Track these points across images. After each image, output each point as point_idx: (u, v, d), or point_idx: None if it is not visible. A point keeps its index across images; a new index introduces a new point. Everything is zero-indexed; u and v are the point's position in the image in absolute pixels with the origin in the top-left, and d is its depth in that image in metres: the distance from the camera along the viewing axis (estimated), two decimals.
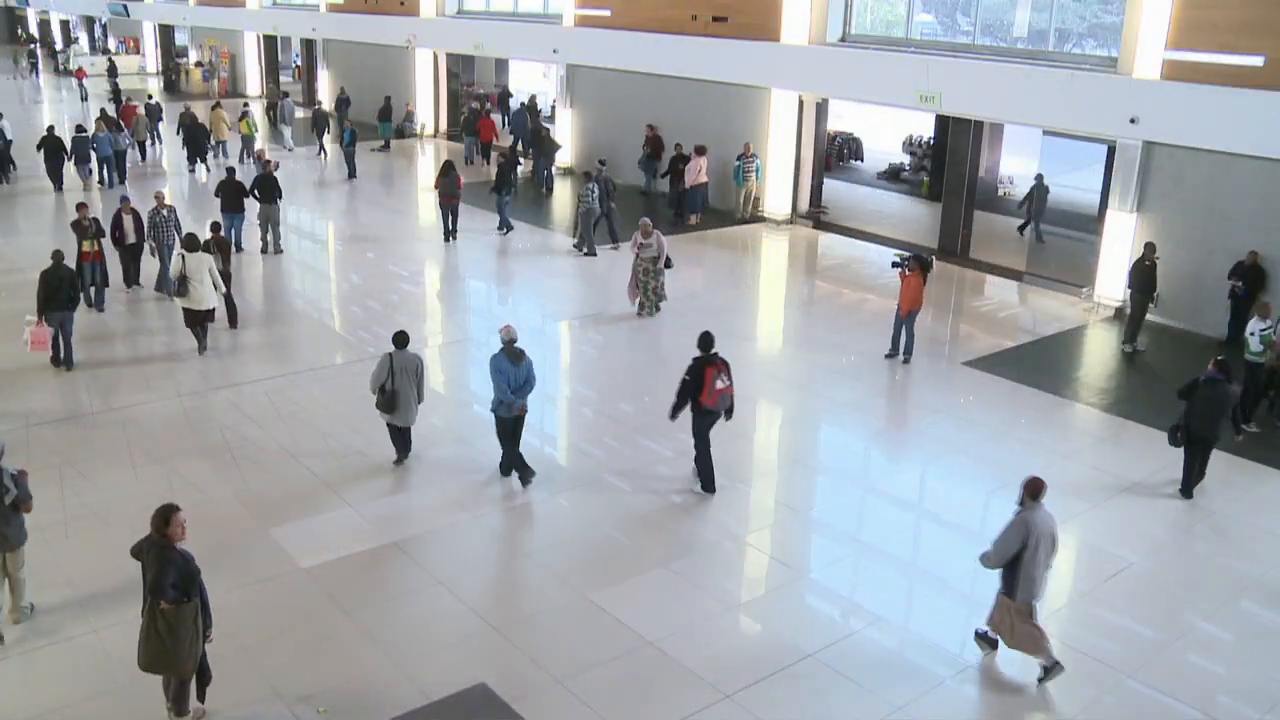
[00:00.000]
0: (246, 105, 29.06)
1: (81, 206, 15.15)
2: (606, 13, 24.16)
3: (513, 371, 9.83)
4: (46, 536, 9.02)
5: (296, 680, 7.34)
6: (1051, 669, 7.52)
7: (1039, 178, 19.50)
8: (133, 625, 6.84)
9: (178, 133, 26.29)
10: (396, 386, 10.12)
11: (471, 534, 9.42)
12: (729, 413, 10.18)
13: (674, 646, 7.80)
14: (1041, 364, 13.89)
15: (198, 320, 13.33)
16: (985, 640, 7.89)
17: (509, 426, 10.06)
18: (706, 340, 10.06)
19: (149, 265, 16.00)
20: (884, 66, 18.82)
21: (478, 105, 29.01)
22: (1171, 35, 14.98)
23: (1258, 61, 14.05)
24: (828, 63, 19.97)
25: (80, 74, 39.08)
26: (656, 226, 15.13)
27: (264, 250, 18.21)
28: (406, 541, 9.16)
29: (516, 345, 9.93)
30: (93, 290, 14.96)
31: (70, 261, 13.22)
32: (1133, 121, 15.34)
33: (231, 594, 8.20)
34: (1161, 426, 11.69)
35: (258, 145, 25.64)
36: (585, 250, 18.64)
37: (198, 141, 25.35)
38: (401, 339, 10.28)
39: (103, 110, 26.54)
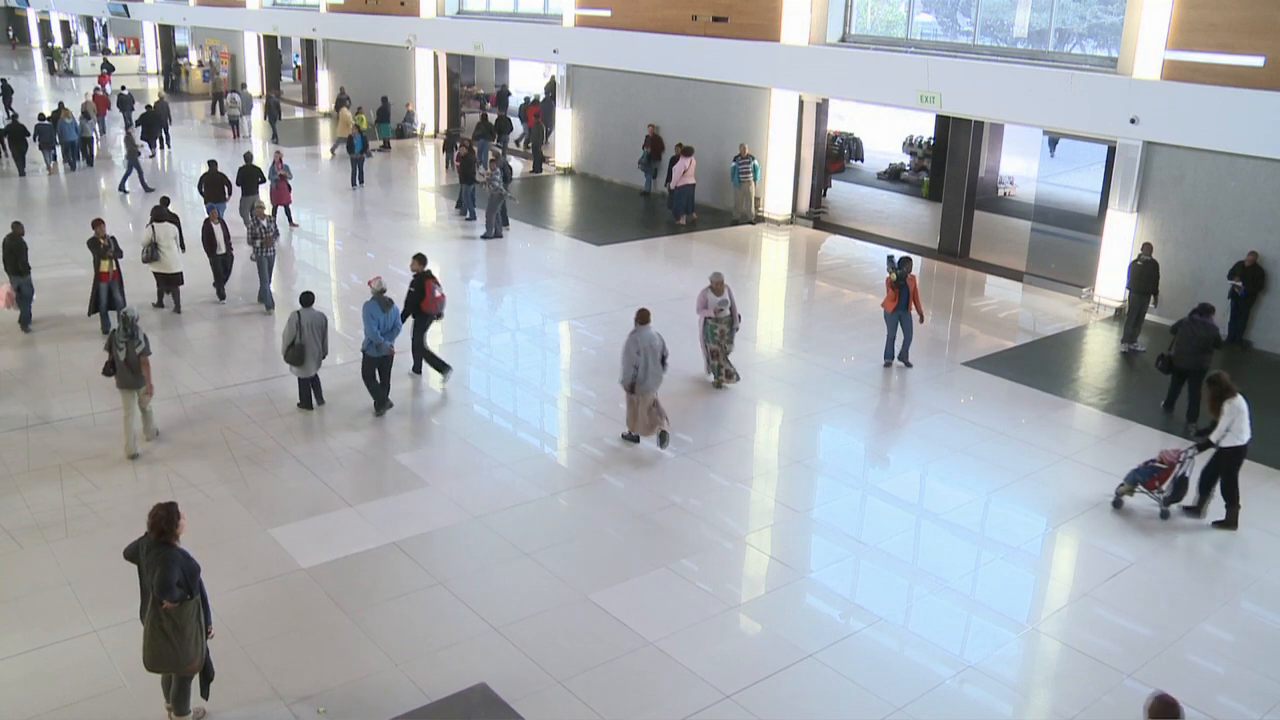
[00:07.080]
0: (350, 101, 30.29)
1: (98, 224, 14.03)
2: (606, 13, 24.16)
3: (382, 317, 11.38)
4: (46, 536, 9.06)
5: (296, 680, 7.34)
6: (665, 436, 10.90)
7: None
8: (132, 625, 6.84)
9: (136, 123, 27.95)
10: (304, 341, 11.39)
11: (471, 534, 9.41)
12: (440, 315, 12.70)
13: (674, 646, 7.81)
14: (1041, 364, 13.89)
15: (169, 284, 14.89)
16: (629, 439, 11.03)
17: (375, 364, 11.58)
18: (423, 259, 12.66)
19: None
20: (884, 66, 18.81)
21: (535, 96, 30.83)
22: (1171, 35, 14.98)
23: (1258, 62, 14.05)
24: (828, 63, 19.97)
25: (104, 79, 38.82)
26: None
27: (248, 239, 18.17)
28: (406, 541, 9.17)
29: (385, 295, 11.51)
30: (111, 314, 13.75)
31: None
32: (1133, 121, 15.35)
33: (231, 594, 8.20)
34: (1162, 426, 11.84)
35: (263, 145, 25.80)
36: (492, 233, 19.54)
37: (152, 129, 27.70)
38: (307, 298, 11.58)
39: (61, 103, 27.69)
